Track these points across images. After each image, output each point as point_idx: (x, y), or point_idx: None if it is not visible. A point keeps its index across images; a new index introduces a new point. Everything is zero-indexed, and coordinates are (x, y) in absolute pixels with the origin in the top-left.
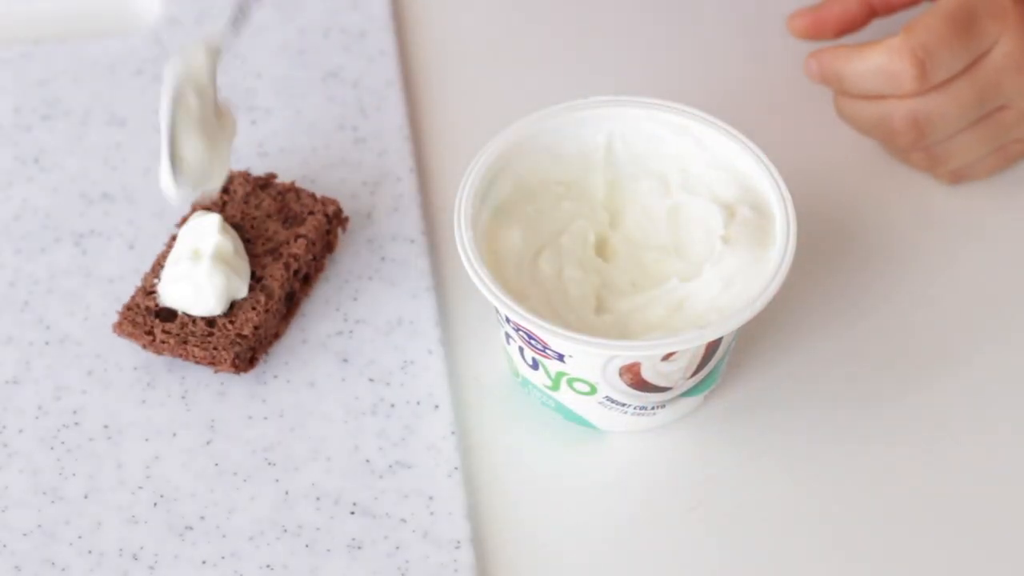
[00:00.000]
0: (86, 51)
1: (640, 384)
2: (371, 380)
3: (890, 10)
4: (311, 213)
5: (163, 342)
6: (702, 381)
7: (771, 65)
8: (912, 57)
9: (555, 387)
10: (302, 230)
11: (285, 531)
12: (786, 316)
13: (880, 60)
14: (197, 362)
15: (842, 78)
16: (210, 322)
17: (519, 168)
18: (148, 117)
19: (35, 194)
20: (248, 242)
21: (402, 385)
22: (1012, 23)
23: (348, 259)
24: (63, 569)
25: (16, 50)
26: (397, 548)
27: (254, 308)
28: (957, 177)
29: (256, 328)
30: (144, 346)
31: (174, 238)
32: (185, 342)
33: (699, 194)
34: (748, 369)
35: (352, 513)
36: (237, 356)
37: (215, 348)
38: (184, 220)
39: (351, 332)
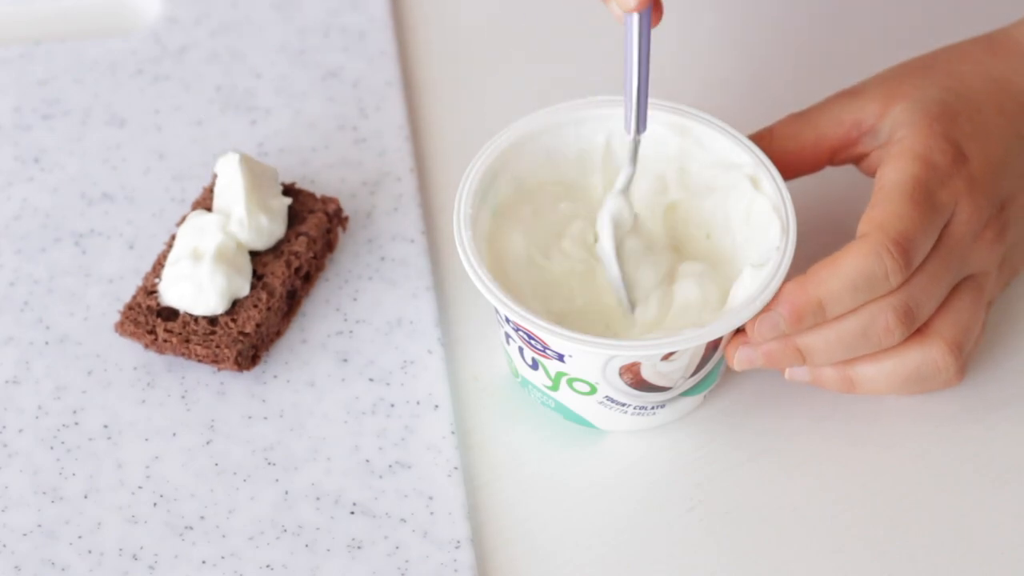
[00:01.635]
0: (86, 51)
1: (640, 384)
2: (371, 380)
3: None
4: (311, 211)
5: (165, 341)
6: (702, 381)
7: (770, 65)
8: (897, 249)
9: (555, 387)
10: (303, 228)
11: (285, 531)
12: None
13: (859, 265)
14: (200, 361)
15: (824, 304)
16: (212, 320)
17: (519, 168)
18: (148, 117)
19: (35, 194)
20: None
21: (402, 385)
22: (962, 189)
23: (348, 259)
24: (63, 569)
25: (16, 50)
26: (397, 548)
27: (256, 306)
28: (957, 347)
29: (258, 326)
30: (146, 345)
31: (174, 237)
32: (187, 341)
33: (698, 193)
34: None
35: (352, 513)
36: (240, 354)
37: (217, 346)
38: (184, 219)
39: (351, 332)
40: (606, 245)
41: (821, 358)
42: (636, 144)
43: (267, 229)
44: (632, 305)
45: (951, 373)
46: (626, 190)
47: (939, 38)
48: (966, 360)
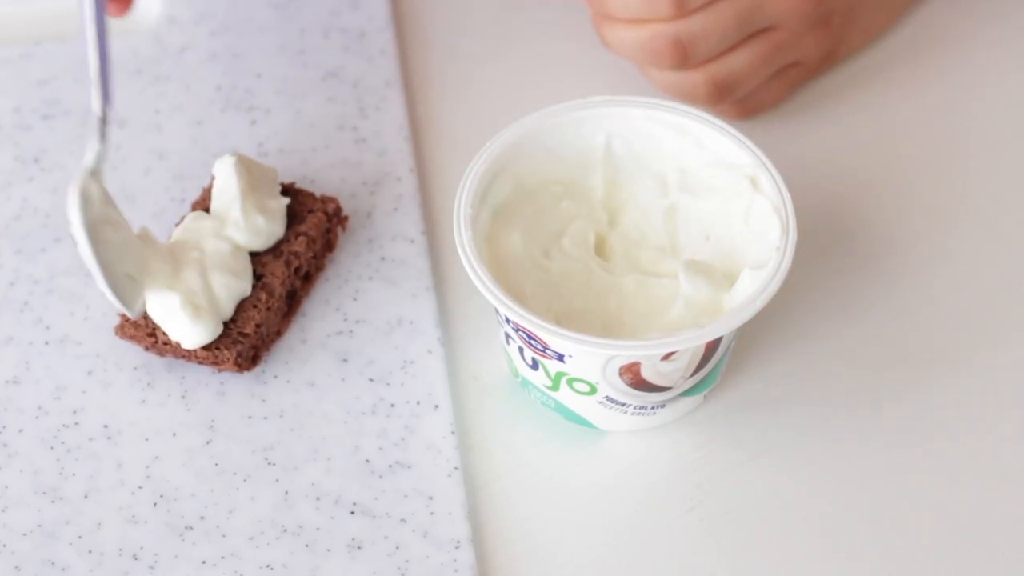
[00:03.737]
0: (86, 51)
1: (640, 384)
2: (371, 380)
3: None
4: (311, 211)
5: (165, 343)
6: (702, 381)
7: None
8: None
9: (555, 387)
10: (302, 228)
11: (285, 531)
12: (786, 316)
13: None
14: (200, 362)
15: (604, 1)
16: None
17: (518, 168)
18: (148, 117)
19: (35, 194)
20: None
21: (402, 385)
22: None
23: (348, 259)
24: (63, 569)
25: (16, 50)
26: (397, 548)
27: (255, 306)
28: (745, 110)
29: (258, 326)
30: (146, 348)
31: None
32: None
33: (698, 194)
34: (748, 369)
35: (352, 513)
36: (240, 355)
37: (217, 348)
38: (182, 220)
39: (351, 332)
40: (75, 222)
41: (615, 50)
42: (102, 120)
43: (265, 230)
44: (127, 303)
45: (702, 96)
46: (96, 169)
47: (938, 36)
48: (742, 103)
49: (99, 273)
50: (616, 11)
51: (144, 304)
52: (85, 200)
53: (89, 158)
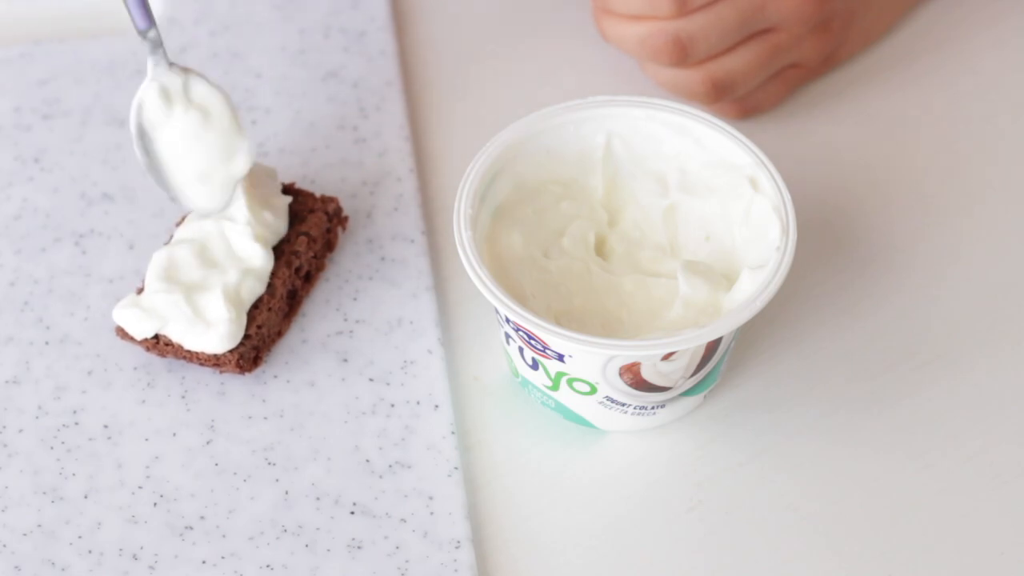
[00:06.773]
0: (86, 51)
1: (640, 384)
2: (371, 380)
3: None
4: (311, 211)
5: (167, 344)
6: (702, 381)
7: None
8: None
9: (555, 387)
10: (303, 227)
11: (285, 531)
12: (786, 316)
13: None
14: (201, 364)
15: None
16: None
17: (519, 168)
18: None
19: (35, 194)
20: None
21: (402, 385)
22: None
23: (348, 259)
24: (63, 569)
25: (16, 50)
26: (397, 548)
27: (258, 307)
28: (743, 110)
29: (260, 327)
30: (147, 348)
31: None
32: None
33: (698, 194)
34: (748, 369)
35: (352, 513)
36: (241, 356)
37: None
38: (183, 220)
39: (351, 332)
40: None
41: (615, 44)
42: (151, 41)
43: (272, 225)
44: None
45: (699, 94)
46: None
47: (938, 38)
48: (741, 103)
49: (153, 173)
50: (617, 7)
51: (223, 203)
52: (140, 107)
53: (152, 71)
